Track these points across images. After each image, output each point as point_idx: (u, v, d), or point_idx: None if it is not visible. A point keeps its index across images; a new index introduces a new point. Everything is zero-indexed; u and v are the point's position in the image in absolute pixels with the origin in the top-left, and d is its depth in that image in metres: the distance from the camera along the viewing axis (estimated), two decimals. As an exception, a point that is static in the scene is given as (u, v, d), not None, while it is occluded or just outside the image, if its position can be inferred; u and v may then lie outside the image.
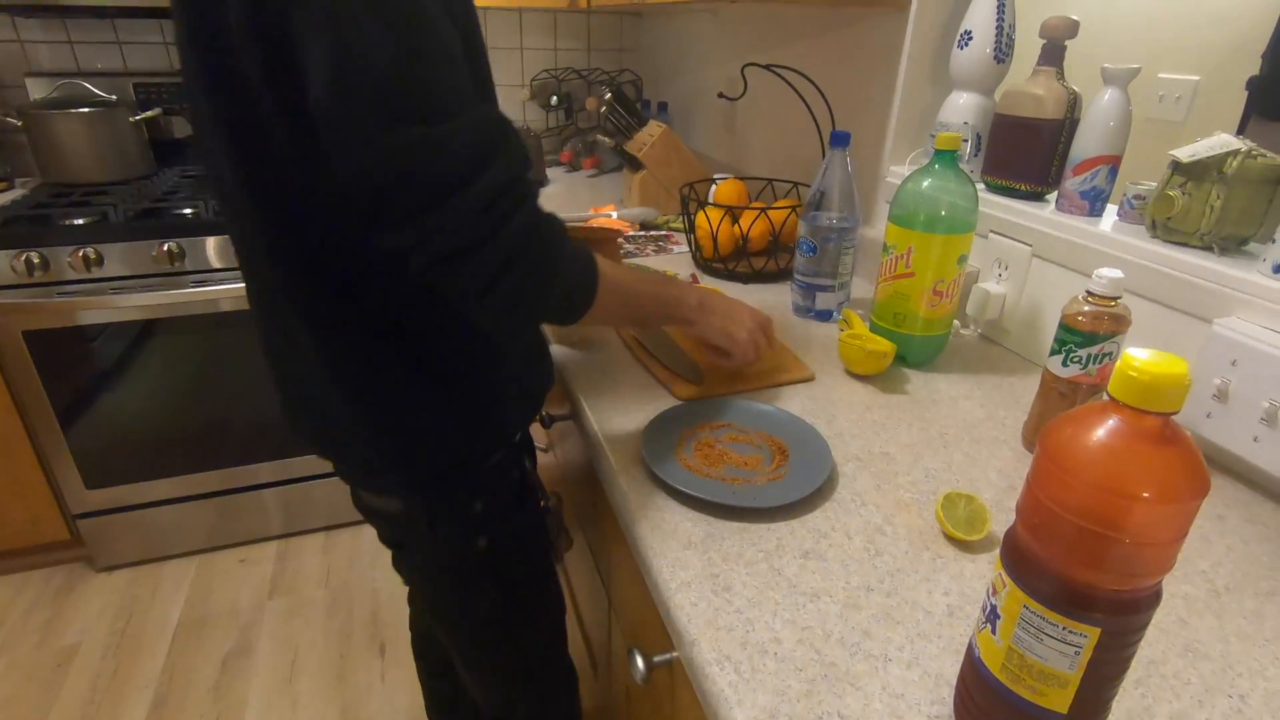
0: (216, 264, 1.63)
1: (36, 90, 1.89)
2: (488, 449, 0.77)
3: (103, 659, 1.61)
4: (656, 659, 0.62)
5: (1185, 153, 0.75)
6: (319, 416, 0.74)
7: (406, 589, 1.21)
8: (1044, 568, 0.38)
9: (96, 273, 1.54)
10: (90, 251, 1.51)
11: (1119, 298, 0.68)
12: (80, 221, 1.54)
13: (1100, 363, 0.69)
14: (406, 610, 1.74)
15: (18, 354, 1.55)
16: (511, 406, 0.77)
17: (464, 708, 1.12)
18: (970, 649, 0.44)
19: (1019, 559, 0.39)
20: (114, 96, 1.92)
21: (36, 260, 1.49)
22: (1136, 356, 0.34)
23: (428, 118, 0.52)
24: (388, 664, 1.61)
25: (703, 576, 0.58)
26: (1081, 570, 0.36)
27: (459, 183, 0.54)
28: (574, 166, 2.27)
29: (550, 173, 2.19)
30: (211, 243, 1.60)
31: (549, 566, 0.90)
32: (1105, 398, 0.36)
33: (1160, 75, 1.75)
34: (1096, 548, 0.35)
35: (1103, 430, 0.35)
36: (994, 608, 0.41)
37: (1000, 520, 0.65)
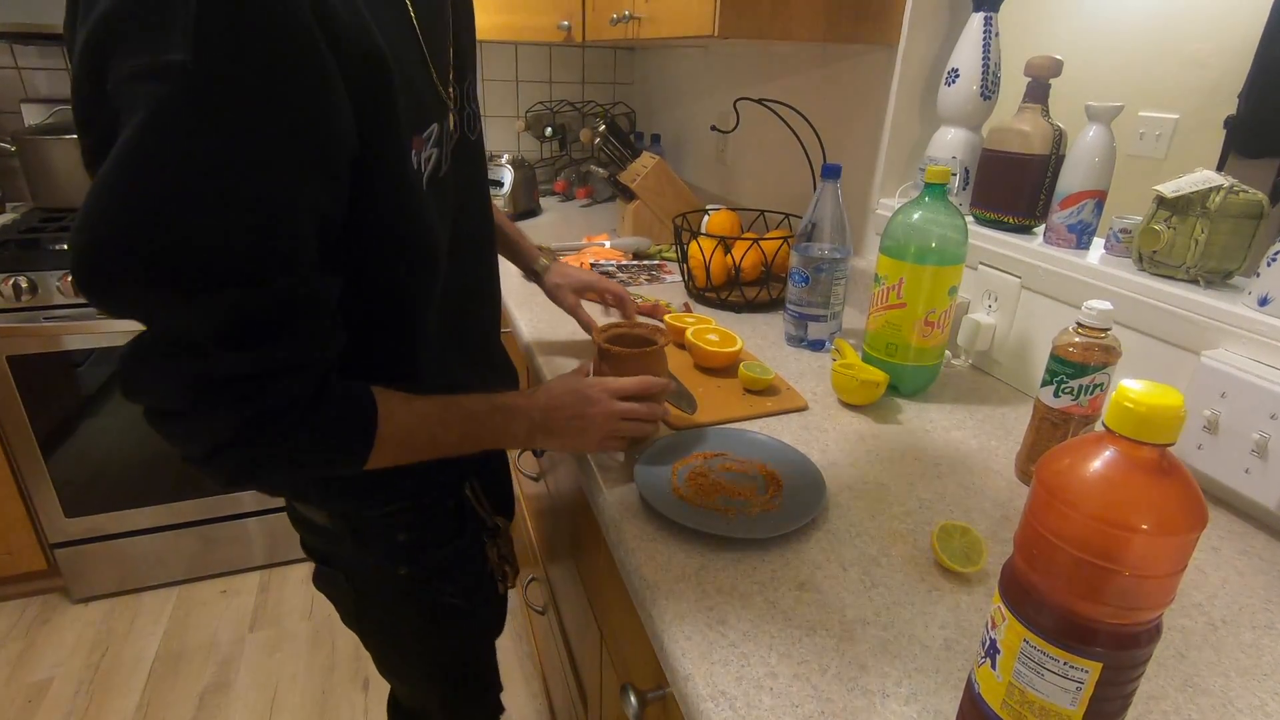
0: (207, 290, 1.62)
1: (32, 116, 1.89)
2: (414, 488, 0.73)
3: (76, 695, 1.56)
4: (650, 695, 0.61)
5: (1170, 188, 0.77)
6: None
7: None
8: (1044, 601, 0.37)
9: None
10: (79, 276, 1.50)
11: (1109, 329, 0.69)
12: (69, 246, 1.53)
13: (1092, 393, 0.70)
14: (391, 643, 1.70)
15: (2, 379, 1.53)
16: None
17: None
18: (970, 684, 0.44)
19: (1018, 592, 0.39)
20: (109, 123, 1.92)
21: (25, 284, 1.48)
22: (1131, 388, 0.34)
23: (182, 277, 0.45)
24: (371, 699, 1.57)
25: (697, 609, 0.57)
26: (1082, 603, 0.36)
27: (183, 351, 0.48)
28: (568, 196, 2.29)
29: (544, 202, 2.21)
30: (203, 268, 1.60)
31: (485, 594, 0.86)
32: (1100, 428, 0.36)
33: (1141, 114, 1.79)
34: (1096, 580, 0.35)
35: (1099, 462, 0.35)
36: (993, 642, 0.41)
37: (995, 551, 0.65)
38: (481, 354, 0.80)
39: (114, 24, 0.43)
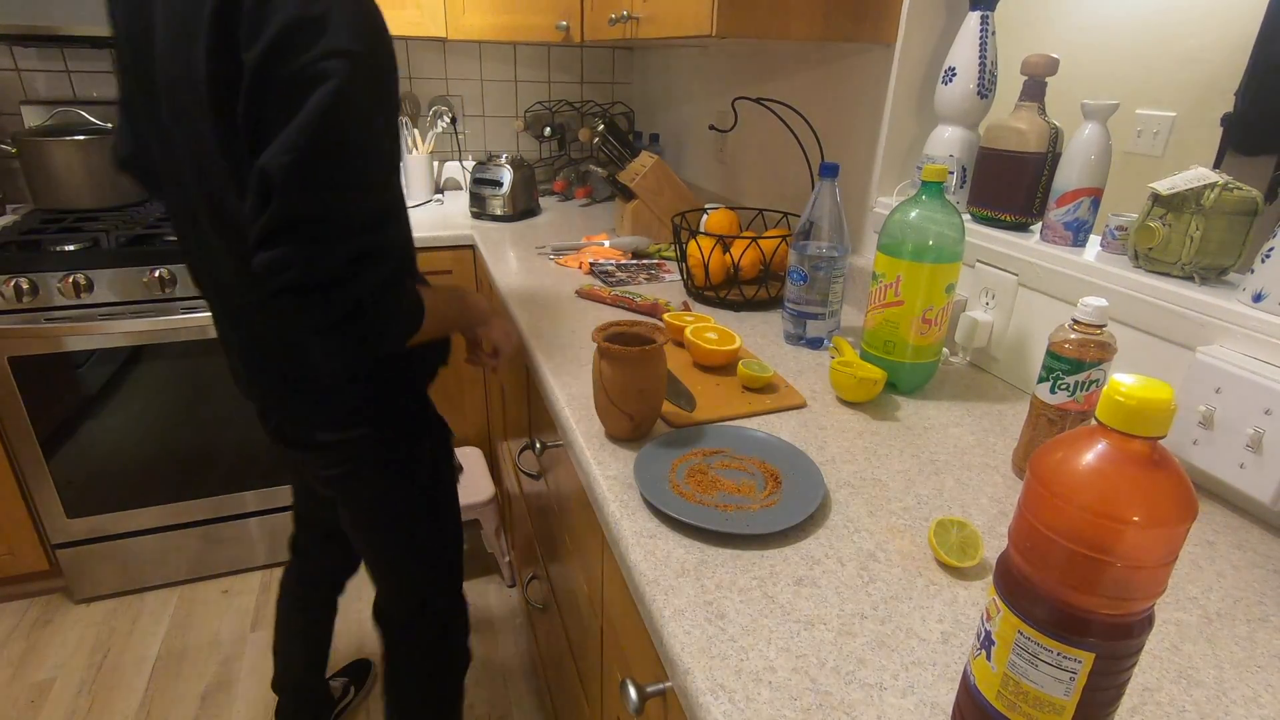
0: (207, 290, 1.62)
1: (32, 118, 1.90)
2: (420, 392, 1.02)
3: (78, 695, 1.56)
4: (650, 689, 0.61)
5: (1165, 185, 0.77)
6: (305, 373, 0.89)
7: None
8: (1038, 592, 0.38)
9: (86, 298, 1.54)
10: (80, 277, 1.51)
11: (1104, 326, 0.69)
12: (71, 247, 1.54)
13: (1088, 389, 0.70)
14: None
15: (3, 380, 1.53)
16: (433, 356, 1.01)
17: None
18: (966, 676, 0.44)
19: (1013, 584, 0.39)
20: (109, 124, 1.93)
21: (26, 286, 1.48)
22: (1123, 382, 0.35)
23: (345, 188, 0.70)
24: (371, 696, 1.58)
25: (696, 604, 0.57)
26: (1075, 594, 0.36)
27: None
28: (567, 196, 2.30)
29: (543, 202, 2.21)
30: (203, 269, 1.60)
31: (454, 483, 1.13)
32: (1094, 423, 0.37)
33: (1138, 111, 1.80)
34: (1089, 571, 0.35)
35: (1092, 454, 0.35)
36: (988, 634, 0.41)
37: (992, 546, 0.65)
38: None
39: (294, 32, 0.66)
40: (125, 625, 1.75)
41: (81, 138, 1.79)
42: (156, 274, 1.56)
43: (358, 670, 1.62)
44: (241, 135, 0.70)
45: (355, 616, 1.79)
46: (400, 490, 1.02)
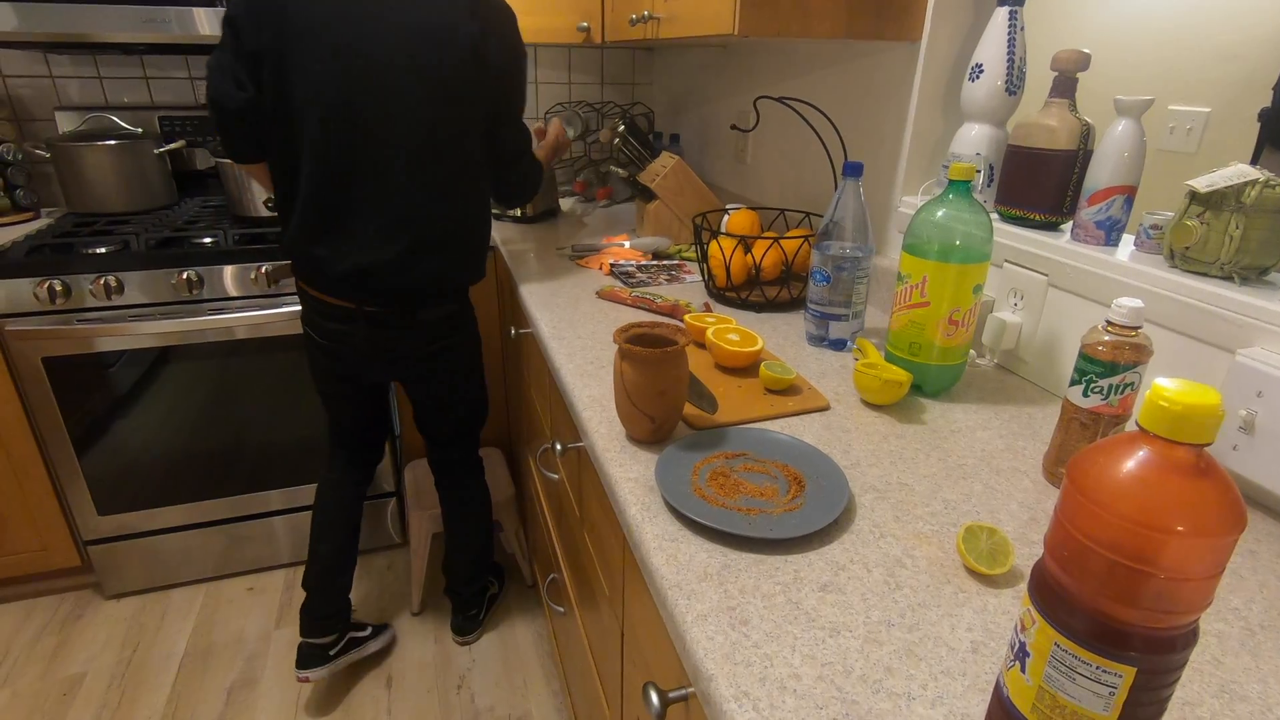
0: (234, 292, 1.65)
1: (65, 123, 1.94)
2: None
3: (108, 689, 1.59)
4: (672, 694, 0.60)
5: (1203, 183, 0.75)
6: (446, 262, 1.30)
7: (411, 615, 1.63)
8: (1076, 603, 0.36)
9: (116, 300, 1.56)
10: (111, 279, 1.54)
11: (1139, 327, 0.67)
12: (102, 250, 1.57)
13: (1122, 393, 0.68)
14: (414, 641, 1.72)
15: (37, 380, 1.56)
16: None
17: (344, 581, 1.58)
18: (998, 688, 0.43)
19: (1049, 594, 0.38)
20: (139, 129, 1.97)
21: (59, 288, 1.51)
22: (1166, 387, 0.33)
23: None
24: (394, 697, 1.59)
25: (719, 609, 0.57)
26: (1115, 606, 0.35)
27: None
28: (587, 197, 2.30)
29: (564, 202, 2.22)
30: (229, 271, 1.63)
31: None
32: (1132, 428, 0.35)
33: (1172, 107, 1.76)
34: (1130, 583, 0.34)
35: (1133, 462, 0.34)
36: (1023, 645, 0.40)
37: (1023, 554, 0.64)
38: None
39: (515, 49, 1.26)
40: (154, 621, 1.78)
41: (113, 142, 1.82)
42: (185, 276, 1.59)
43: (377, 627, 1.71)
44: (483, 108, 1.24)
45: (379, 596, 1.80)
46: (476, 347, 1.48)
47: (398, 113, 1.17)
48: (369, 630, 1.67)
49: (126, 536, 1.78)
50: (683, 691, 0.60)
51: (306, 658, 1.53)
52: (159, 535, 1.81)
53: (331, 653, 1.55)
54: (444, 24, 1.15)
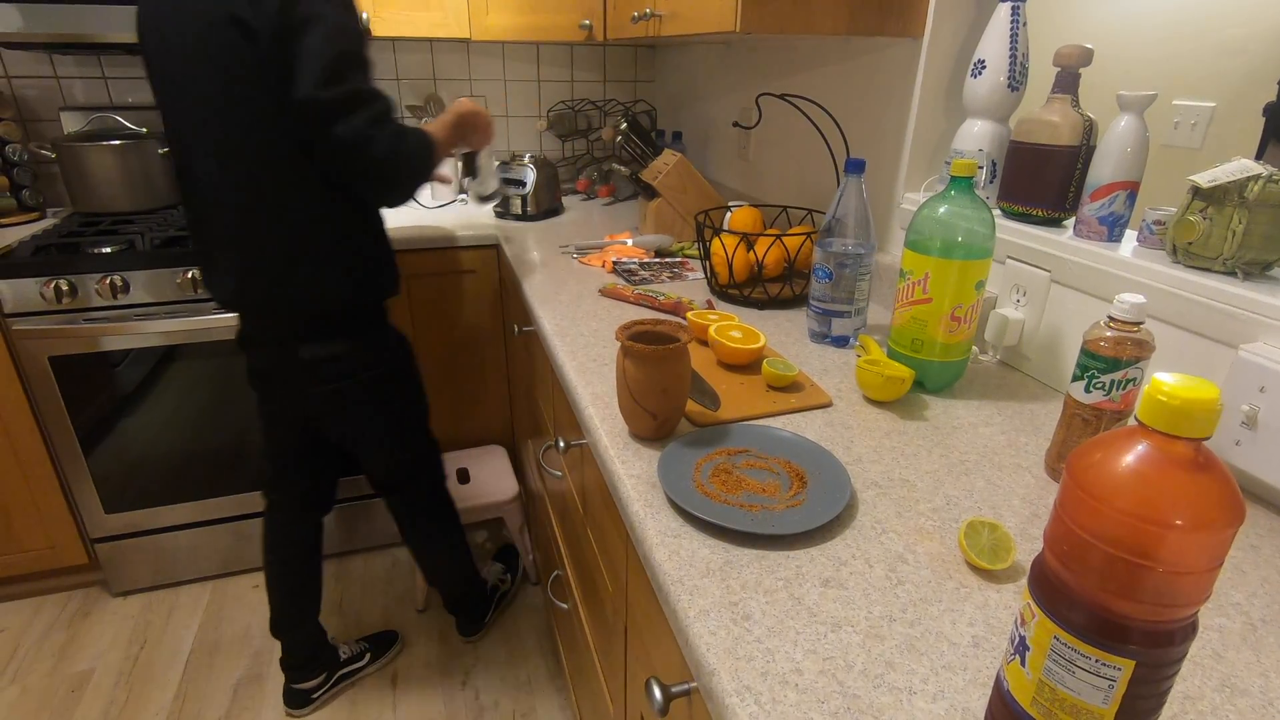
0: (238, 291, 1.65)
1: (71, 124, 1.95)
2: (380, 319, 1.28)
3: (116, 686, 1.60)
4: (675, 689, 0.61)
5: (1205, 178, 0.75)
6: (296, 288, 1.13)
7: (415, 613, 1.68)
8: (1075, 597, 0.37)
9: (122, 299, 1.57)
10: (117, 279, 1.55)
11: (1142, 323, 0.67)
12: (108, 250, 1.58)
13: (1124, 389, 0.69)
14: (419, 639, 1.73)
15: (44, 379, 1.58)
16: (384, 279, 1.25)
17: (312, 613, 1.52)
18: (999, 682, 0.43)
19: (1048, 588, 0.38)
20: (144, 129, 1.97)
21: (65, 287, 1.52)
22: (1165, 381, 0.33)
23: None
24: (400, 694, 1.59)
25: (721, 605, 0.57)
26: (1114, 600, 0.35)
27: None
28: (590, 195, 2.30)
29: (566, 201, 2.22)
30: (234, 270, 1.63)
31: (412, 358, 1.39)
32: (1133, 423, 0.36)
33: (1176, 102, 1.75)
34: (1129, 577, 0.34)
35: (1132, 456, 0.34)
36: (1023, 639, 0.40)
37: (1025, 549, 0.64)
38: None
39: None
40: (160, 619, 1.79)
41: (118, 142, 1.83)
42: (190, 275, 1.59)
43: (381, 640, 1.67)
44: (271, 72, 1.01)
45: (384, 591, 1.81)
46: (390, 390, 1.31)
47: (199, 119, 1.06)
48: (365, 658, 1.62)
49: (133, 534, 1.79)
50: (685, 686, 0.60)
51: (292, 697, 1.53)
52: (165, 533, 1.82)
53: (315, 696, 1.53)
54: None
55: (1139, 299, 0.67)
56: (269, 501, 1.45)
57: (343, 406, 1.26)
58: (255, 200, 1.09)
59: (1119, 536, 0.34)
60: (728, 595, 0.58)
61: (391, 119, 1.05)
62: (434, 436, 1.49)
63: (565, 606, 1.35)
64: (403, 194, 1.12)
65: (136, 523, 1.78)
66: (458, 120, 1.25)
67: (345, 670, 1.58)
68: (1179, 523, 0.33)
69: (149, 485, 1.75)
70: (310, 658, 1.52)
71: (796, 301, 1.26)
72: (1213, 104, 1.70)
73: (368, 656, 1.63)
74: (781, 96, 1.32)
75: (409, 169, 1.08)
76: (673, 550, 0.63)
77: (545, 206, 2.00)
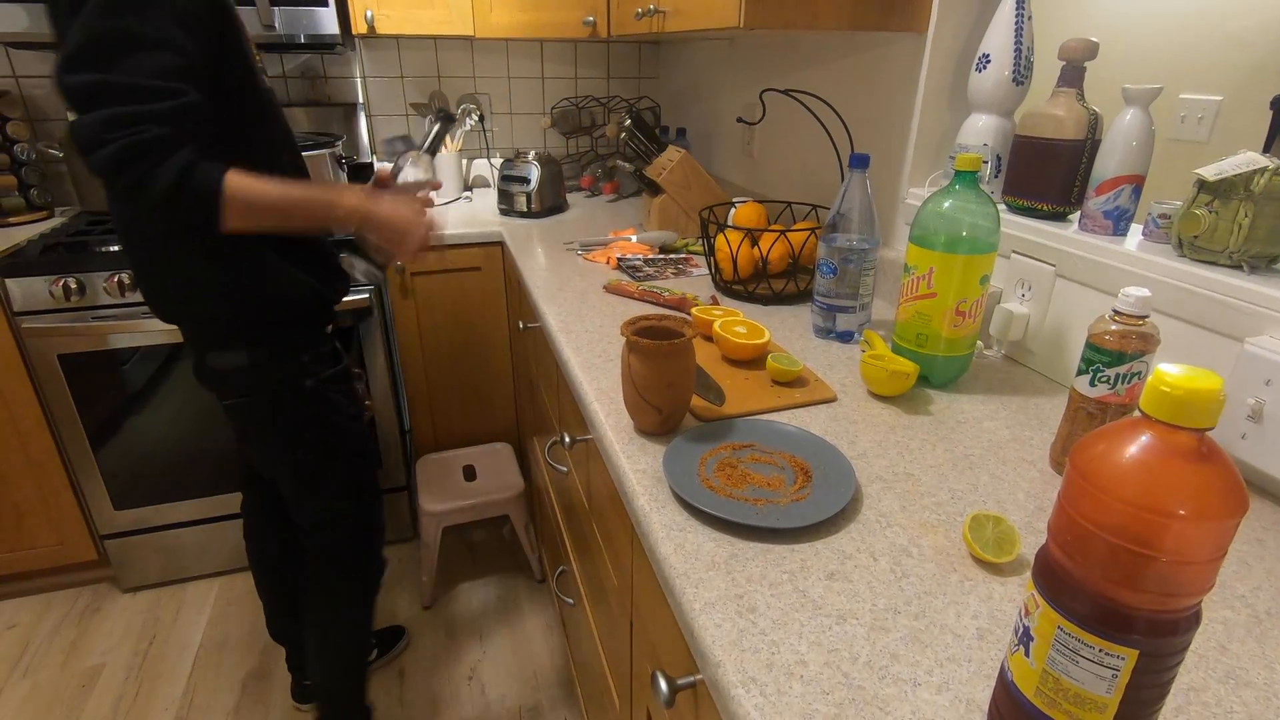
0: (245, 288, 1.66)
1: (77, 123, 1.96)
2: (315, 316, 1.14)
3: (125, 680, 1.62)
4: (680, 681, 0.61)
5: (1211, 171, 0.75)
6: (188, 294, 1.04)
7: (422, 609, 1.60)
8: (1079, 587, 0.37)
9: (130, 297, 1.58)
10: (124, 276, 1.56)
11: (1147, 316, 0.67)
12: (115, 248, 1.59)
13: (1129, 382, 0.69)
14: (425, 633, 1.74)
15: (53, 377, 1.59)
16: (333, 280, 1.15)
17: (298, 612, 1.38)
18: (1003, 672, 0.44)
19: (1052, 579, 0.38)
20: (150, 128, 1.98)
21: (74, 285, 1.53)
22: (1169, 372, 0.34)
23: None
24: (406, 688, 1.60)
25: (727, 597, 0.57)
26: (1118, 590, 0.35)
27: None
28: (594, 191, 2.30)
29: (570, 198, 2.22)
30: (240, 268, 1.64)
31: (360, 417, 1.26)
32: (1137, 414, 0.36)
33: (1182, 96, 1.74)
34: (1133, 566, 0.34)
35: (1136, 447, 0.35)
36: (1027, 629, 0.40)
37: (1029, 542, 0.64)
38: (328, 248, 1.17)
39: None
40: (169, 614, 1.81)
41: (124, 141, 1.84)
42: (196, 273, 1.60)
43: (388, 635, 1.68)
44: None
45: (389, 587, 1.82)
46: (290, 414, 1.14)
47: None
48: (372, 654, 1.59)
49: (142, 531, 1.80)
50: (691, 679, 0.61)
51: (301, 692, 1.54)
52: (174, 529, 1.83)
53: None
54: None
55: (1144, 292, 0.67)
56: (241, 500, 1.41)
57: (245, 425, 1.17)
58: (112, 199, 1.01)
59: (1122, 526, 0.34)
60: (733, 588, 0.58)
61: (140, 128, 0.80)
62: (371, 488, 1.30)
63: (571, 602, 1.36)
64: (164, 218, 0.94)
65: (145, 519, 1.79)
66: (354, 211, 0.99)
67: None
68: (1182, 512, 0.33)
69: (157, 482, 1.76)
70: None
71: (801, 297, 1.26)
72: (1220, 97, 1.69)
73: (374, 652, 1.63)
74: (785, 92, 1.32)
75: (149, 197, 0.83)
76: (678, 544, 0.64)
77: (549, 203, 2.00)
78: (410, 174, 1.58)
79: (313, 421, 1.16)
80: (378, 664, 1.64)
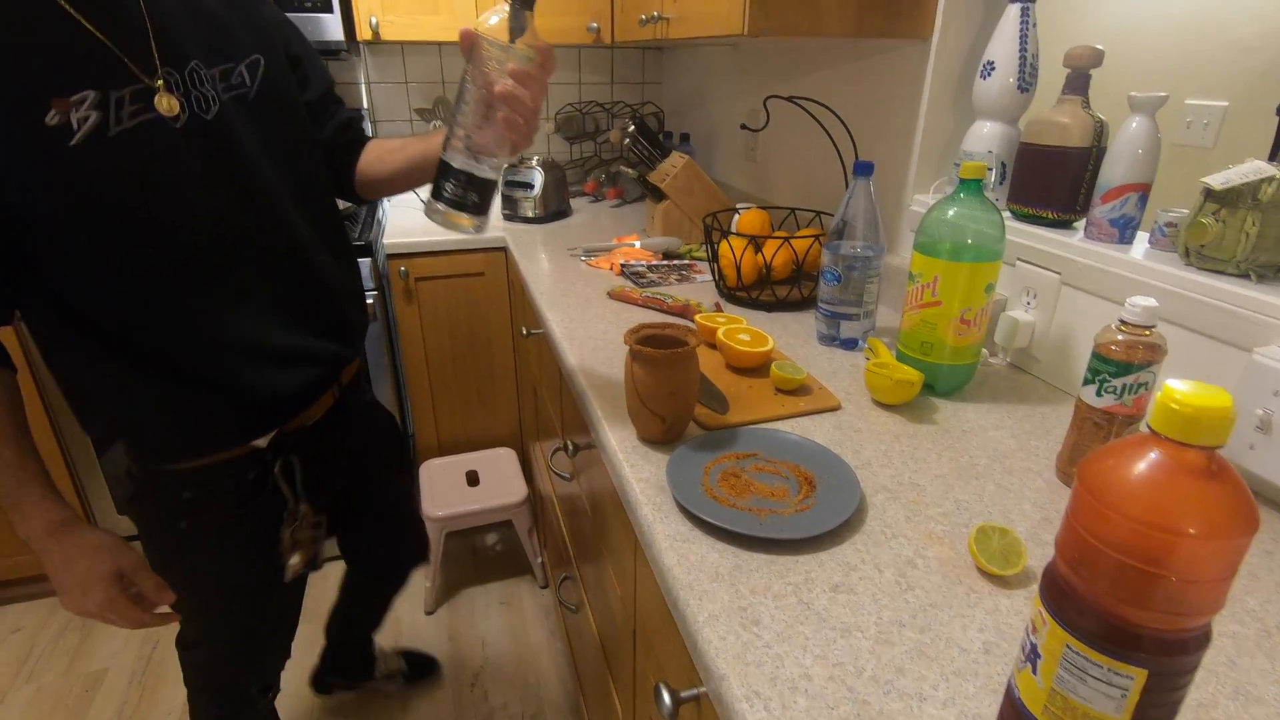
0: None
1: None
2: (201, 444, 0.84)
3: (129, 685, 1.62)
4: (684, 694, 0.61)
5: (1218, 179, 0.74)
6: (74, 395, 0.83)
7: (424, 615, 1.49)
8: (1086, 605, 0.36)
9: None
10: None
11: (1154, 326, 0.67)
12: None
13: (1136, 393, 0.68)
14: (430, 640, 1.74)
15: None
16: (240, 409, 0.83)
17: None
18: (1010, 689, 0.43)
19: (1060, 596, 0.38)
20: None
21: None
22: (1177, 389, 0.33)
23: None
24: (409, 694, 1.60)
25: (731, 610, 0.57)
26: (1126, 608, 0.35)
27: None
28: (598, 197, 2.30)
29: (574, 203, 2.22)
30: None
31: (268, 571, 0.93)
32: (1145, 429, 0.35)
33: (1188, 101, 1.74)
34: (1141, 585, 0.34)
35: (1144, 464, 0.34)
36: (1034, 646, 0.40)
37: (1036, 554, 0.63)
38: (242, 335, 0.81)
39: None
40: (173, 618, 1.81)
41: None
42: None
43: (420, 664, 1.64)
44: None
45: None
46: (153, 544, 0.90)
47: None
48: (398, 680, 1.59)
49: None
50: (694, 691, 0.60)
51: (318, 681, 1.54)
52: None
53: (335, 690, 1.51)
54: None
55: (1150, 302, 0.66)
56: None
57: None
58: None
59: (1130, 544, 0.34)
60: (737, 600, 0.58)
61: None
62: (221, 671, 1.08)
63: (574, 609, 1.36)
64: None
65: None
66: (31, 540, 0.78)
67: (373, 684, 1.58)
68: (1191, 531, 0.32)
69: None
70: (345, 665, 1.53)
71: (805, 304, 1.25)
72: (1225, 103, 1.68)
73: (400, 679, 1.60)
74: (789, 99, 1.32)
75: None
76: (682, 555, 0.63)
77: (553, 209, 2.01)
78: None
79: (187, 557, 0.90)
80: (401, 687, 1.61)
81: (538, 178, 1.96)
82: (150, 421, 0.81)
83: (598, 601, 1.15)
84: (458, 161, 0.75)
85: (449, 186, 0.75)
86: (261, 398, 0.84)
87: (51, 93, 0.65)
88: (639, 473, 0.75)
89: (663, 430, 0.79)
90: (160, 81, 0.71)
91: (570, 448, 1.07)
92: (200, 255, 0.76)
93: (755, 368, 0.98)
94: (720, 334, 1.00)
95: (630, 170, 1.89)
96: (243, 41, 0.81)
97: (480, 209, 0.78)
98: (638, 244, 1.63)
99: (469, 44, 0.72)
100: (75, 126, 0.66)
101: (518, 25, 0.72)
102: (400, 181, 1.00)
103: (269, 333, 0.83)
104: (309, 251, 0.87)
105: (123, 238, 0.71)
